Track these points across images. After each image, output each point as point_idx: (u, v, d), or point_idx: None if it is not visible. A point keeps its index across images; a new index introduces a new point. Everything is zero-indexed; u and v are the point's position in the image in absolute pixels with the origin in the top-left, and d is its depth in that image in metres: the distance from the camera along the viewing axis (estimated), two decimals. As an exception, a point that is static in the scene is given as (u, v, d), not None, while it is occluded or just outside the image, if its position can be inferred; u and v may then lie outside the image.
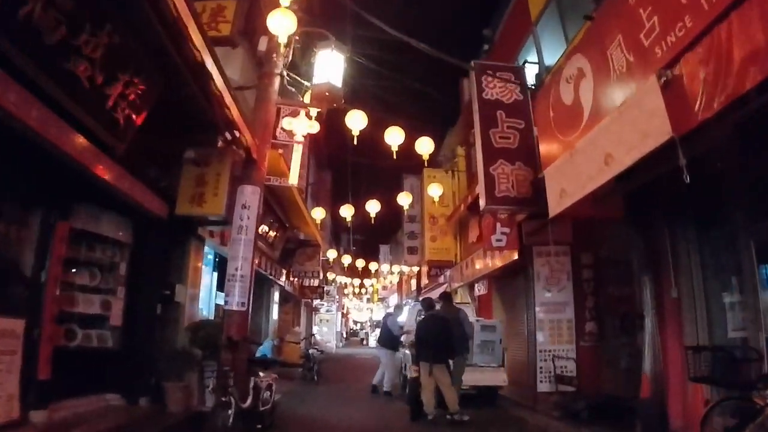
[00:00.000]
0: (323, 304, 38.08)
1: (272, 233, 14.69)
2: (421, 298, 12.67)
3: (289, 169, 9.30)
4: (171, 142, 8.22)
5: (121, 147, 6.63)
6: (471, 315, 13.05)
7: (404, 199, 16.04)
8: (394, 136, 10.98)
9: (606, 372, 10.07)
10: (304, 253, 18.72)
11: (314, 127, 9.25)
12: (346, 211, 16.21)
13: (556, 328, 10.69)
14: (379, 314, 53.78)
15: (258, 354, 14.13)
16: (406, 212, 27.43)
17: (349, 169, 20.40)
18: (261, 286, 16.74)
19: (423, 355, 8.62)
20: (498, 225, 10.83)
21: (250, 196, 8.29)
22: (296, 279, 21.74)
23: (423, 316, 9.48)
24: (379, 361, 12.82)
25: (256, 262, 14.19)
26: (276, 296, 17.74)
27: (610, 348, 10.09)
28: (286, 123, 9.32)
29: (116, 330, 7.94)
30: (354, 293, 48.14)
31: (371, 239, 40.63)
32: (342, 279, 35.63)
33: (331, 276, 32.93)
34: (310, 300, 28.58)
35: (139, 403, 8.02)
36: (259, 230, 13.63)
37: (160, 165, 8.44)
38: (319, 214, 16.95)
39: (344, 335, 53.91)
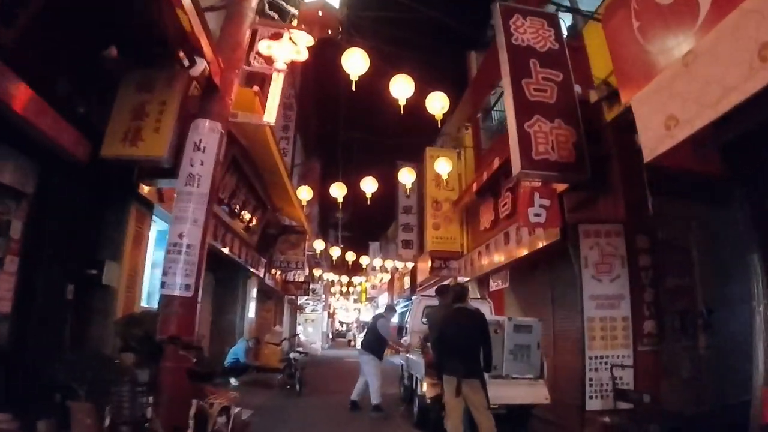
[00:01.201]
0: (309, 303, 35.66)
1: (248, 214, 12.18)
2: (449, 284, 10.02)
3: (264, 106, 6.77)
4: (96, 48, 5.73)
5: (8, 36, 4.18)
6: (488, 314, 10.71)
7: (406, 177, 13.63)
8: (401, 87, 8.89)
9: (664, 383, 7.89)
10: (287, 240, 16.20)
11: (301, 54, 6.80)
12: (337, 191, 13.71)
13: (608, 328, 8.38)
14: (367, 315, 51.40)
15: (229, 358, 11.68)
16: (400, 202, 25.31)
17: (342, 139, 17.80)
18: (235, 276, 14.21)
19: (449, 365, 6.06)
20: (536, 195, 8.40)
21: (207, 134, 5.84)
22: (278, 271, 19.20)
23: (447, 310, 6.94)
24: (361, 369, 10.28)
25: (228, 247, 11.80)
26: (253, 290, 15.21)
27: (670, 353, 8.10)
28: (264, 47, 6.85)
29: (1, 320, 5.38)
30: (341, 292, 45.60)
31: (360, 236, 38.21)
32: (329, 276, 33.03)
33: (317, 272, 30.40)
34: (294, 297, 25.99)
35: (36, 428, 5.45)
36: (235, 208, 11.19)
37: (80, 82, 5.90)
38: (305, 194, 14.45)
39: (330, 336, 51.45)
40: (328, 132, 20.23)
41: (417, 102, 9.57)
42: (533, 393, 8.01)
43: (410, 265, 24.94)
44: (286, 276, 22.73)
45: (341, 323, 65.01)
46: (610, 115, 7.67)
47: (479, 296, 13.02)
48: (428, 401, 7.62)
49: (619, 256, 8.59)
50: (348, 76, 7.68)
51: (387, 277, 33.15)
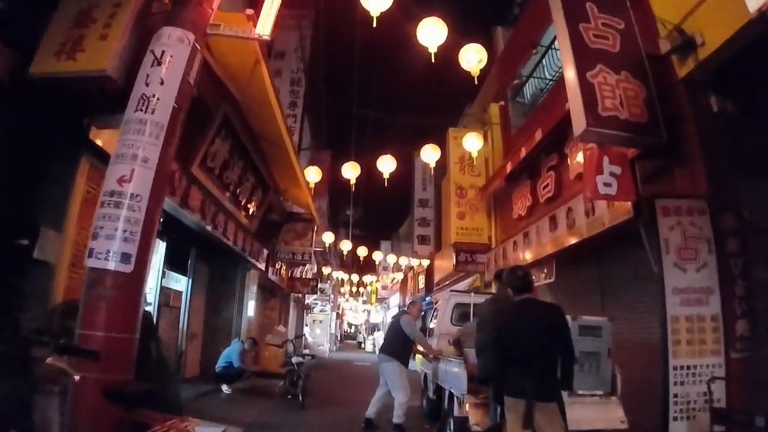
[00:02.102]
0: (317, 303, 33.93)
1: (245, 192, 10.40)
2: (504, 270, 7.16)
3: (257, 19, 4.94)
4: None
5: None
6: None
7: (429, 155, 11.77)
8: (432, 33, 7.19)
9: (756, 398, 6.15)
10: (292, 229, 14.40)
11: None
12: (350, 171, 11.86)
13: (695, 330, 6.60)
14: (377, 316, 49.55)
15: (221, 362, 9.94)
16: (416, 195, 23.50)
17: (355, 117, 15.89)
18: (232, 268, 12.46)
19: (514, 382, 4.13)
20: (606, 161, 6.63)
21: (174, 45, 4.11)
22: (283, 265, 17.41)
23: (505, 303, 5.04)
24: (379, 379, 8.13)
25: (221, 230, 9.99)
26: (253, 284, 13.42)
27: (762, 360, 6.45)
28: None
29: None
30: (351, 293, 43.74)
31: (371, 236, 36.39)
32: (339, 275, 31.22)
33: (326, 270, 28.63)
34: (301, 295, 24.19)
35: None
36: (228, 182, 9.41)
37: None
38: (313, 175, 12.62)
39: (339, 338, 49.67)
40: (339, 113, 18.33)
41: (437, 79, 7.81)
42: (605, 414, 6.11)
43: (426, 263, 23.10)
44: (292, 272, 20.96)
45: (350, 325, 63.30)
46: (683, 70, 6.23)
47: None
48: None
49: (704, 239, 6.88)
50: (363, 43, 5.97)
51: (400, 276, 31.30)
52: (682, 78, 6.25)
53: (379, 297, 45.67)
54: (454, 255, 14.06)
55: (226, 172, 9.07)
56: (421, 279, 26.18)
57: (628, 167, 6.82)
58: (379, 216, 40.59)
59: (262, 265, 13.35)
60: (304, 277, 22.12)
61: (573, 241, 8.67)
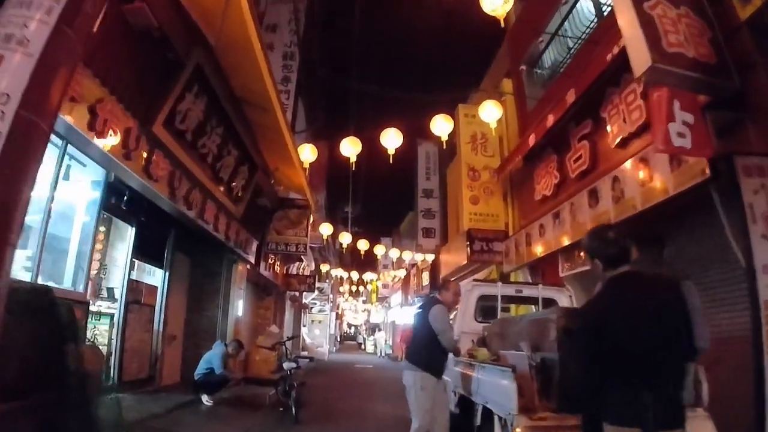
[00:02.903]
0: (315, 303, 32.41)
1: (227, 168, 8.89)
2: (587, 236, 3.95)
3: None
4: None
5: None
6: (566, 302, 7.53)
7: (441, 127, 10.22)
8: None
9: None
10: (285, 217, 12.87)
11: None
12: (350, 148, 10.25)
13: (791, 322, 5.14)
14: (378, 316, 48.03)
15: (200, 368, 8.43)
16: (420, 185, 21.99)
17: (355, 88, 14.28)
18: (216, 259, 10.95)
19: (621, 405, 2.53)
20: (677, 105, 5.21)
21: None
22: (276, 260, 15.89)
23: (615, 286, 3.30)
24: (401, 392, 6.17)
25: (196, 210, 8.43)
26: (240, 279, 11.85)
27: None
28: None
29: None
30: (351, 292, 42.21)
31: (370, 233, 34.79)
32: (337, 272, 29.68)
33: (324, 268, 27.08)
34: (297, 293, 22.63)
35: None
36: (205, 150, 7.89)
37: None
38: (308, 153, 11.06)
39: (338, 339, 48.22)
40: (337, 91, 16.76)
41: (445, 52, 6.32)
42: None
43: (431, 258, 21.58)
44: (288, 268, 19.44)
45: (350, 325, 61.93)
46: (746, 11, 5.33)
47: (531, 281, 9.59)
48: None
49: (794, 204, 5.46)
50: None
51: (402, 273, 29.77)
52: (746, 20, 5.33)
53: (379, 296, 44.15)
54: (467, 244, 12.54)
55: (202, 139, 7.57)
56: (425, 276, 24.67)
57: (701, 116, 5.42)
58: (379, 211, 39.17)
59: (251, 258, 11.82)
60: (300, 273, 20.60)
61: (623, 216, 7.15)
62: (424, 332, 5.21)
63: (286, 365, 8.68)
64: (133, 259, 8.41)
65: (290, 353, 10.46)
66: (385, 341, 36.35)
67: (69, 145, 5.41)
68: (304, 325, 30.09)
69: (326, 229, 16.32)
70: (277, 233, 12.98)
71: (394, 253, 21.09)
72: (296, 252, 13.46)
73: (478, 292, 7.48)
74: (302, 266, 21.01)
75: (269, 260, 14.80)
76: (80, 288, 6.13)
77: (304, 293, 25.61)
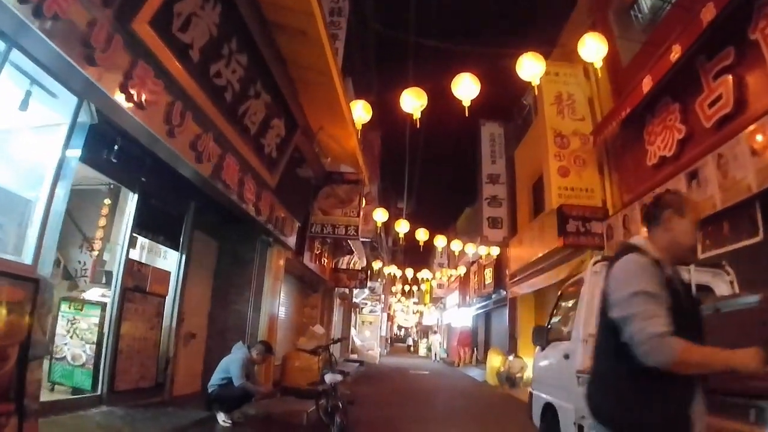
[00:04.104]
0: (366, 303, 30.36)
1: (256, 115, 6.80)
2: None
3: None
4: None
5: None
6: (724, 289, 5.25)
7: (531, 67, 7.83)
8: None
9: None
10: (332, 194, 10.67)
11: None
12: (412, 101, 8.00)
13: None
14: (430, 318, 45.62)
15: (216, 378, 6.32)
16: (484, 169, 19.56)
17: (412, 41, 11.96)
18: (247, 242, 8.91)
19: None
20: None
21: None
22: (324, 251, 13.83)
23: None
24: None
25: (224, 180, 6.38)
26: (277, 266, 9.67)
27: None
28: None
29: None
30: (403, 291, 39.89)
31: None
32: (391, 270, 27.44)
33: (377, 265, 24.91)
34: (347, 291, 20.54)
35: None
36: (211, 71, 5.74)
37: None
38: (361, 110, 8.84)
39: (389, 341, 46.11)
40: (391, 50, 14.53)
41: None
42: None
43: (495, 252, 19.12)
44: (337, 262, 17.36)
45: (400, 327, 59.73)
46: None
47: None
48: None
49: None
50: None
51: (462, 270, 27.32)
52: None
53: (433, 297, 41.70)
54: (557, 224, 10.10)
55: (216, 64, 5.49)
56: (488, 273, 22.20)
57: None
58: (433, 207, 36.76)
59: (290, 242, 9.71)
60: (351, 268, 18.48)
61: None
62: (602, 338, 2.20)
63: (328, 378, 6.51)
64: (134, 235, 6.44)
65: (335, 360, 8.30)
66: (440, 344, 33.99)
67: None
68: (354, 327, 28.09)
69: (380, 215, 14.09)
70: (323, 213, 10.83)
71: (456, 245, 18.69)
72: (345, 236, 11.22)
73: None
74: (353, 260, 18.90)
75: (314, 250, 12.71)
76: (27, 259, 4.11)
77: (355, 291, 23.62)
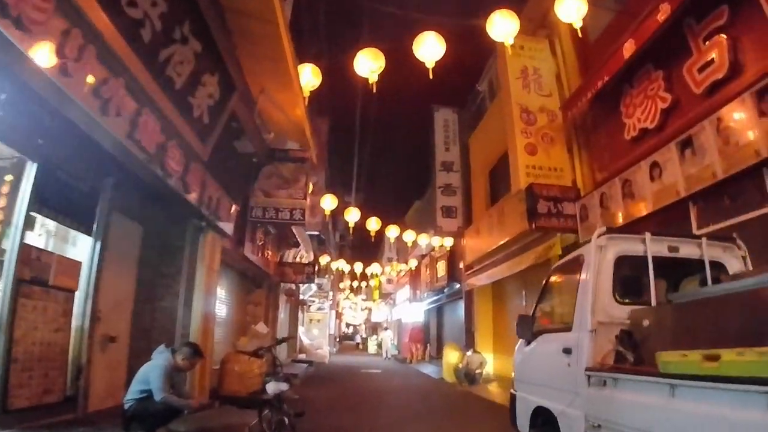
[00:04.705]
0: (314, 300, 29.14)
1: (184, 65, 5.57)
2: None
3: None
4: None
5: None
6: (736, 266, 4.53)
7: (503, 25, 6.90)
8: None
9: None
10: (276, 173, 9.49)
11: None
12: (368, 63, 6.93)
13: None
14: (379, 315, 44.73)
15: (133, 391, 5.03)
16: (438, 157, 18.68)
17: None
18: (177, 227, 7.64)
19: None
20: None
21: None
22: (266, 242, 12.61)
23: None
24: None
25: (143, 146, 4.97)
26: (212, 256, 8.36)
27: None
28: None
29: None
30: (351, 288, 38.79)
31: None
32: (338, 265, 26.23)
33: (324, 260, 23.71)
34: (293, 286, 19.28)
35: None
36: (142, 31, 4.44)
37: None
38: (309, 76, 7.68)
39: (338, 339, 44.98)
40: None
41: None
42: None
43: (449, 243, 18.29)
44: (282, 255, 16.10)
45: (348, 325, 58.75)
46: None
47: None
48: None
49: None
50: None
51: (413, 264, 26.41)
52: None
53: (383, 292, 40.77)
54: (527, 205, 9.23)
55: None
56: (441, 266, 21.42)
57: None
58: (381, 201, 35.88)
59: (227, 228, 8.45)
60: (297, 261, 17.27)
61: None
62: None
63: (270, 388, 5.41)
64: (32, 214, 5.13)
65: (280, 363, 7.15)
66: (391, 341, 33.08)
67: None
68: (302, 325, 26.81)
69: (329, 202, 12.92)
70: (265, 195, 9.59)
71: (409, 235, 17.72)
72: (290, 220, 9.95)
73: (614, 251, 4.17)
74: (299, 253, 17.68)
75: (257, 240, 11.46)
76: None
77: (302, 288, 22.38)
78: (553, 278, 5.26)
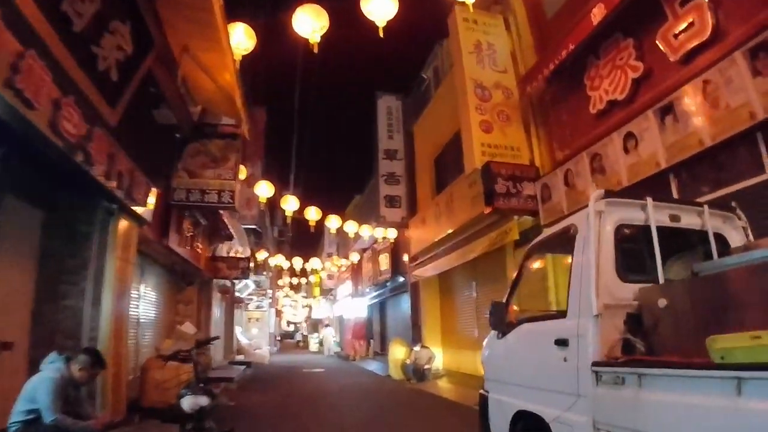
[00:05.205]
0: (252, 298, 27.82)
1: (87, 11, 4.48)
2: None
3: None
4: None
5: None
6: (736, 238, 3.95)
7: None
8: None
9: None
10: (202, 150, 8.34)
11: None
12: (309, 21, 5.99)
13: None
14: (320, 312, 43.61)
15: (18, 409, 3.88)
16: (381, 144, 17.85)
17: None
18: (82, 211, 6.46)
19: None
20: None
21: None
22: (196, 234, 11.46)
23: None
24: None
25: (36, 86, 3.84)
26: (126, 244, 7.13)
27: None
28: None
29: None
30: (291, 285, 37.61)
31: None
32: (277, 260, 25.02)
33: (261, 256, 22.53)
34: (228, 283, 18.03)
35: None
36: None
37: None
38: (242, 36, 6.67)
39: (278, 338, 43.68)
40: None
41: None
42: None
43: (392, 235, 17.54)
44: (215, 249, 14.91)
45: (289, 323, 57.32)
46: None
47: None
48: None
49: None
50: None
51: (354, 257, 25.52)
52: None
53: (323, 289, 39.64)
54: (484, 185, 8.51)
55: None
56: (384, 259, 20.66)
57: None
58: (321, 195, 34.81)
59: (146, 213, 7.28)
60: (232, 256, 16.08)
61: None
62: None
63: (186, 403, 4.47)
64: None
65: (204, 370, 6.17)
66: (333, 338, 32.15)
67: None
68: (240, 324, 25.49)
69: (265, 189, 11.78)
70: (189, 175, 8.41)
71: (351, 227, 16.78)
72: (218, 203, 8.66)
73: (614, 219, 3.43)
74: (233, 247, 16.50)
75: (184, 231, 10.28)
76: None
77: (239, 286, 21.11)
78: (532, 257, 4.46)
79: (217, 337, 7.48)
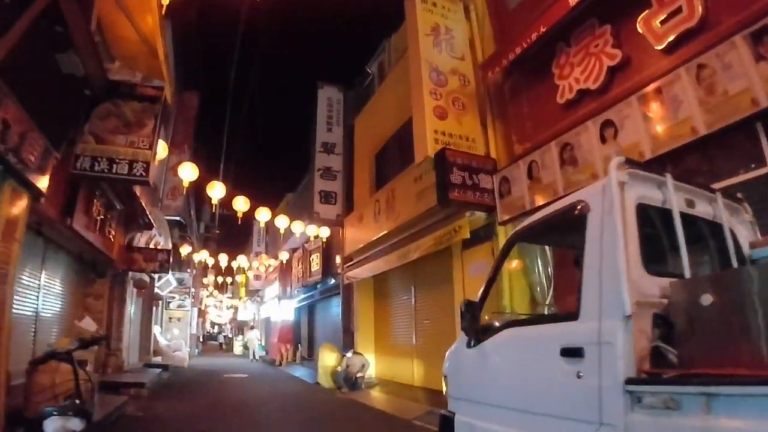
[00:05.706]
0: (174, 296, 26.16)
1: None
2: None
3: None
4: None
5: None
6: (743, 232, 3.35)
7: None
8: None
9: None
10: (114, 112, 7.07)
11: None
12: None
13: None
14: (246, 313, 41.95)
15: None
16: (319, 136, 16.88)
17: None
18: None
19: None
20: None
21: None
22: (109, 219, 10.18)
23: None
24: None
25: None
26: (13, 220, 5.85)
27: None
28: None
29: None
30: (216, 284, 35.84)
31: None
32: (201, 256, 23.48)
33: (185, 250, 21.07)
34: (146, 278, 16.52)
35: None
36: None
37: None
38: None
39: (201, 340, 41.74)
40: None
41: None
42: None
43: (325, 234, 16.58)
44: (131, 239, 13.49)
45: (213, 324, 55.22)
46: None
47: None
48: None
49: None
50: None
51: (284, 256, 24.33)
52: None
53: (249, 289, 37.99)
54: (438, 175, 7.79)
55: None
56: (315, 260, 19.69)
57: None
58: (252, 190, 33.35)
59: (40, 180, 6.01)
60: (150, 246, 14.67)
61: None
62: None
63: (49, 427, 3.48)
64: None
65: (92, 380, 5.11)
66: (259, 341, 30.72)
67: None
68: (159, 324, 23.77)
69: (189, 171, 10.53)
70: (96, 141, 7.10)
71: (282, 221, 15.63)
72: (128, 176, 7.11)
73: (635, 194, 2.72)
74: (153, 239, 15.08)
75: (94, 213, 9.01)
76: None
77: (159, 283, 19.57)
78: (518, 247, 3.69)
79: (105, 336, 6.35)
